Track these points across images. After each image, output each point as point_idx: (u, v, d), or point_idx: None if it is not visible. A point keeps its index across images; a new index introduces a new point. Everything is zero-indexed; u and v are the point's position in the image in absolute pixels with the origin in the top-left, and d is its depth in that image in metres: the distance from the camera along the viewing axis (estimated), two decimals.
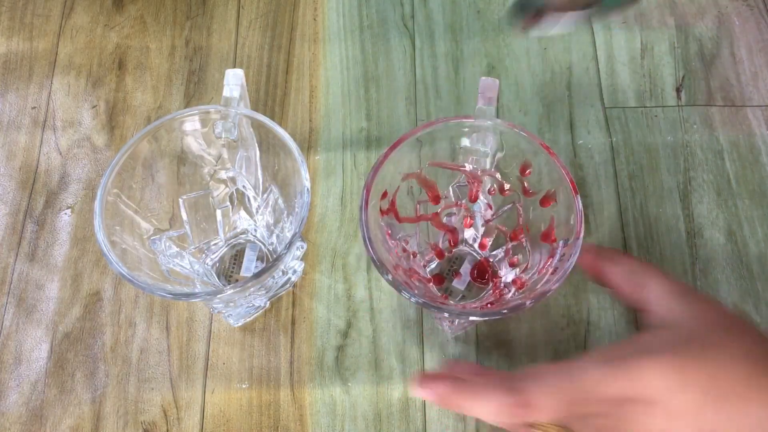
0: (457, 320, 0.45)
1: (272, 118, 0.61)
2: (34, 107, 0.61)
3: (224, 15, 0.64)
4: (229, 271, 0.51)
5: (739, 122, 0.58)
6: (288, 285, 0.50)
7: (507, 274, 0.47)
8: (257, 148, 0.46)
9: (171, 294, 0.37)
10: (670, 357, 0.30)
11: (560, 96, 0.60)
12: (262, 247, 0.51)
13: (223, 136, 0.44)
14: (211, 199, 0.49)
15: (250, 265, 0.50)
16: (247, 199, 0.50)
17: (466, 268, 0.49)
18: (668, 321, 0.34)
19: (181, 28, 0.64)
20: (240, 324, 0.49)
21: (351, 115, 0.60)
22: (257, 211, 0.49)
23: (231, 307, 0.46)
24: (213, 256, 0.51)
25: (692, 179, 0.56)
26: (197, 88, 0.61)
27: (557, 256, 0.39)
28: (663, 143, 0.58)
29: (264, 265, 0.48)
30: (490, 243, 0.49)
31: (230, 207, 0.50)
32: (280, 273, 0.46)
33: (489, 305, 0.44)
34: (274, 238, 0.49)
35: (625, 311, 0.51)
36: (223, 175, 0.49)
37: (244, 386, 0.49)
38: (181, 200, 0.48)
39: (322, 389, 0.48)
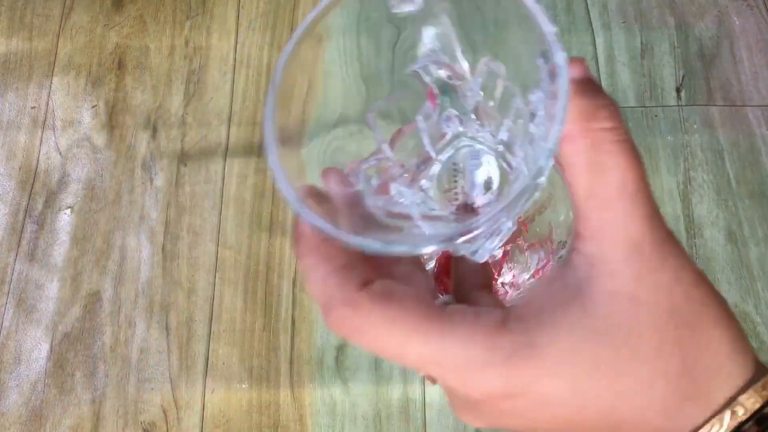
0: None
1: None
2: (34, 107, 0.61)
3: (224, 15, 0.64)
4: (453, 195, 0.36)
5: (740, 122, 0.58)
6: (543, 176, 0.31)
7: (504, 276, 0.47)
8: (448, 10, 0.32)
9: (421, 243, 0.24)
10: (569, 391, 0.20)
11: None
12: (487, 152, 0.36)
13: (401, 9, 0.32)
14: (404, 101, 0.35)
15: (478, 181, 0.35)
16: (453, 90, 0.35)
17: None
18: (595, 303, 0.21)
19: (181, 28, 0.64)
20: (486, 257, 0.35)
21: None
22: (471, 103, 0.35)
23: (478, 243, 0.33)
24: (426, 181, 0.37)
25: (692, 179, 0.56)
26: (197, 87, 0.61)
27: (554, 259, 0.38)
28: (663, 143, 0.58)
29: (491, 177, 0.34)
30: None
31: (432, 108, 0.35)
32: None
33: None
34: (503, 134, 0.34)
35: None
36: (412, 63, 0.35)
37: (244, 386, 0.49)
38: (368, 114, 0.35)
39: (322, 389, 0.48)
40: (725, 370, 0.20)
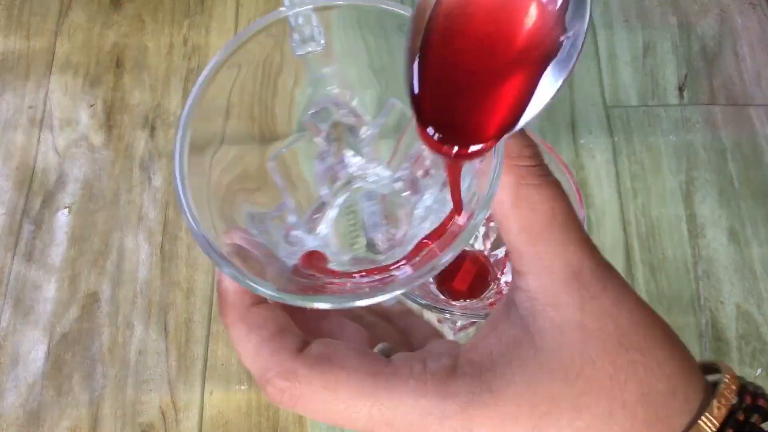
0: (459, 321, 0.45)
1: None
2: (31, 106, 0.60)
3: (223, 13, 0.64)
4: (351, 241, 0.35)
5: (742, 121, 0.58)
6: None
7: (508, 275, 0.46)
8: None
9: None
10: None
11: (561, 95, 0.59)
12: (384, 192, 0.35)
13: (304, 51, 0.29)
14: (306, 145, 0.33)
15: (375, 220, 0.34)
16: (349, 131, 0.33)
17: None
18: (543, 338, 0.20)
19: (180, 27, 0.63)
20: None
21: None
22: (368, 144, 0.33)
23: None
24: (322, 227, 0.35)
25: (695, 179, 0.56)
26: None
27: None
28: (665, 143, 0.57)
29: (384, 223, 0.33)
30: (490, 245, 0.49)
31: (329, 149, 0.33)
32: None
33: (491, 306, 0.44)
34: (403, 172, 0.33)
35: None
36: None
37: (243, 387, 0.49)
38: (269, 164, 0.31)
39: None
40: (680, 394, 0.20)
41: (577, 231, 0.20)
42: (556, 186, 0.21)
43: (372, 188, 0.34)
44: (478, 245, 0.51)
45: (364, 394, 0.20)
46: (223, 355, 0.50)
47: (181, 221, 0.55)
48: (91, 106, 0.60)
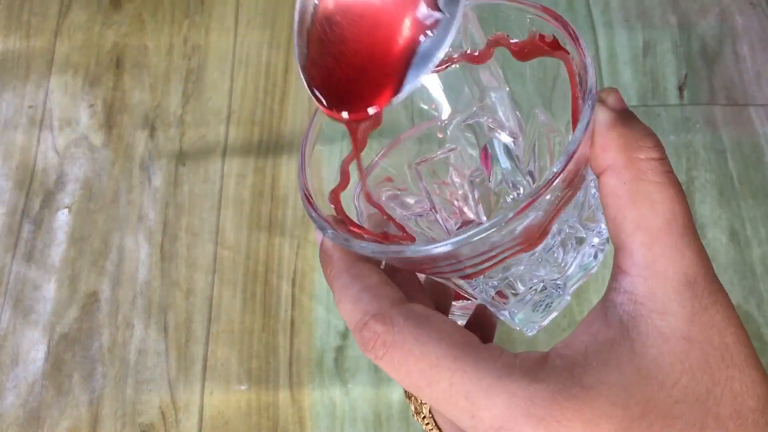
0: (459, 321, 0.45)
1: (271, 117, 0.60)
2: (31, 106, 0.60)
3: (223, 13, 0.64)
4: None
5: (743, 121, 0.58)
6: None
7: None
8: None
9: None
10: None
11: (562, 94, 0.59)
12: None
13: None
14: (449, 164, 0.32)
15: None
16: (502, 150, 0.31)
17: None
18: (644, 343, 0.19)
19: (180, 27, 0.63)
20: (546, 323, 0.30)
21: None
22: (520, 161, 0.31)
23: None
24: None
25: (695, 179, 0.56)
26: (196, 87, 0.60)
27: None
28: (665, 143, 0.57)
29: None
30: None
31: (485, 171, 0.31)
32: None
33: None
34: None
35: None
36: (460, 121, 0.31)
37: (242, 388, 0.49)
38: (415, 167, 0.30)
39: (322, 391, 0.48)
40: (766, 414, 0.19)
41: (695, 238, 0.20)
42: (678, 186, 0.20)
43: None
44: None
45: (450, 358, 0.19)
46: (223, 355, 0.50)
47: (181, 222, 0.55)
48: (91, 106, 0.60)
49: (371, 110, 0.21)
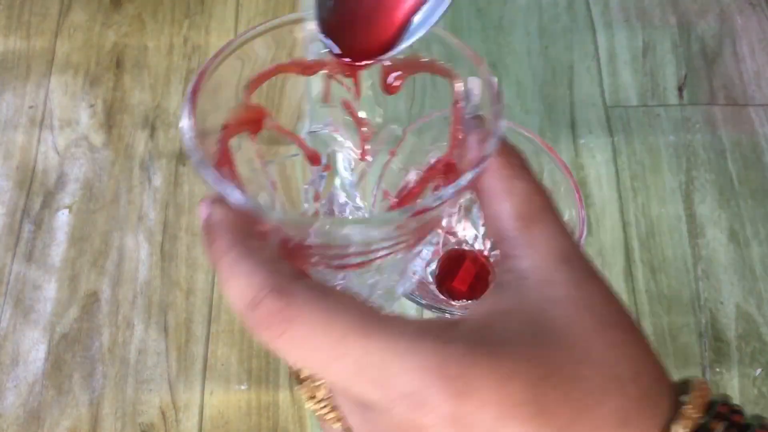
0: None
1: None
2: (32, 106, 0.60)
3: (223, 13, 0.64)
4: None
5: (742, 121, 0.58)
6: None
7: None
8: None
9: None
10: (523, 404, 0.18)
11: (561, 95, 0.59)
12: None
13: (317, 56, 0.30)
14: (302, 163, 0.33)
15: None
16: (345, 164, 0.34)
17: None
18: (536, 309, 0.20)
19: (180, 27, 0.63)
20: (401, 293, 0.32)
21: None
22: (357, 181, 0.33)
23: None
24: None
25: (694, 179, 0.56)
26: None
27: None
28: (665, 142, 0.57)
29: None
30: (490, 245, 0.49)
31: (319, 180, 0.34)
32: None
33: None
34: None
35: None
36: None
37: (243, 387, 0.49)
38: (270, 165, 0.31)
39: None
40: (665, 381, 0.20)
41: (562, 225, 0.22)
42: (541, 185, 0.22)
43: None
44: (478, 245, 0.51)
45: (359, 328, 0.19)
46: (223, 355, 0.50)
47: (181, 222, 0.55)
48: (91, 106, 0.60)
49: (374, 59, 0.25)
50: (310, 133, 0.32)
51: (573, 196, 0.39)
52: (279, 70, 0.29)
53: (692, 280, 0.51)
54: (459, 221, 0.50)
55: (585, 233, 0.37)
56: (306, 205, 0.32)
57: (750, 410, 0.48)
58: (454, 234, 0.50)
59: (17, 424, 0.48)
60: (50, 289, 0.53)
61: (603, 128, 0.58)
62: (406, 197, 0.28)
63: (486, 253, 0.50)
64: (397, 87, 0.30)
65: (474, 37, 0.62)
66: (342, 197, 0.33)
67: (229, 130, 0.27)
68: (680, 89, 0.60)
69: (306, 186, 0.32)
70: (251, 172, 0.29)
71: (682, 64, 0.61)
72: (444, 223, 0.49)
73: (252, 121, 0.28)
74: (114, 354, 0.50)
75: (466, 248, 0.51)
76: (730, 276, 0.52)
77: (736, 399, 0.47)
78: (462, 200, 0.32)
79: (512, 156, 0.23)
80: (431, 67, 0.29)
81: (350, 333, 0.19)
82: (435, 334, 0.19)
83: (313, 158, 0.31)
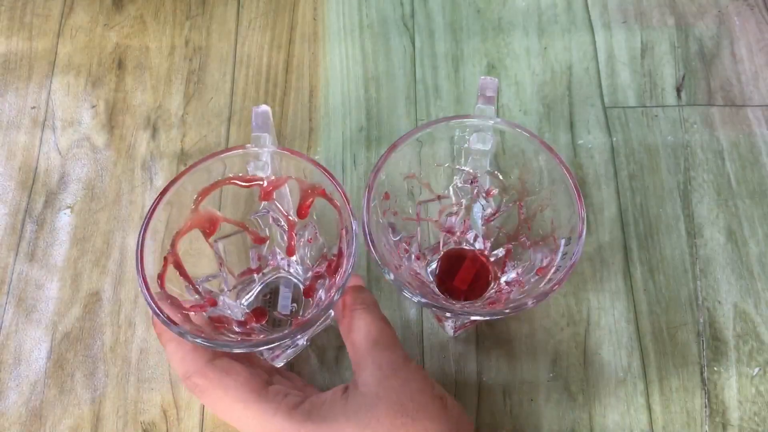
0: (459, 320, 0.45)
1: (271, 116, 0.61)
2: (34, 107, 0.61)
3: (224, 15, 0.64)
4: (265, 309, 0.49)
5: (740, 122, 0.58)
6: (329, 320, 0.48)
7: (508, 274, 0.47)
8: (289, 184, 0.43)
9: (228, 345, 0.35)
10: None
11: (560, 95, 0.60)
12: (298, 283, 0.49)
13: (257, 174, 0.42)
14: (246, 237, 0.46)
15: (286, 303, 0.49)
16: (280, 235, 0.47)
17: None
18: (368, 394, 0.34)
19: (181, 28, 0.64)
20: (282, 364, 0.47)
21: (351, 115, 0.60)
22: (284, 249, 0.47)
23: (273, 352, 0.45)
24: (248, 296, 0.49)
25: (692, 179, 0.56)
26: (197, 87, 0.61)
27: (559, 256, 0.39)
28: (663, 143, 0.58)
29: (293, 304, 0.49)
30: (490, 245, 0.49)
31: (263, 246, 0.47)
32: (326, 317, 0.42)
33: (491, 305, 0.44)
34: (310, 275, 0.46)
35: (624, 311, 0.51)
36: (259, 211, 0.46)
37: None
38: (218, 243, 0.44)
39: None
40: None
41: (383, 348, 0.36)
42: (378, 317, 0.37)
43: (288, 278, 0.50)
44: (479, 245, 0.51)
45: (242, 399, 0.34)
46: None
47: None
48: (93, 106, 0.60)
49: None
50: (254, 216, 0.46)
51: (573, 197, 0.39)
52: (222, 183, 0.42)
53: (690, 280, 0.52)
54: (459, 221, 0.51)
55: (584, 233, 0.37)
56: (252, 264, 0.48)
57: (748, 408, 0.49)
58: (454, 234, 0.51)
59: (19, 423, 0.48)
60: (52, 289, 0.53)
61: (602, 128, 0.58)
62: (315, 276, 0.45)
63: (486, 252, 0.51)
64: (307, 212, 0.43)
65: (473, 37, 0.63)
66: (279, 255, 0.49)
67: (180, 234, 0.42)
68: (678, 90, 0.60)
69: (251, 250, 0.47)
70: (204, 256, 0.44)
71: (680, 65, 0.61)
72: (444, 223, 0.49)
73: (206, 222, 0.42)
74: (116, 353, 0.50)
75: (466, 248, 0.51)
76: (728, 275, 0.52)
77: (733, 398, 0.47)
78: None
79: (357, 301, 0.37)
80: (329, 199, 0.41)
81: (238, 400, 0.34)
82: (286, 410, 0.34)
83: (257, 239, 0.47)
